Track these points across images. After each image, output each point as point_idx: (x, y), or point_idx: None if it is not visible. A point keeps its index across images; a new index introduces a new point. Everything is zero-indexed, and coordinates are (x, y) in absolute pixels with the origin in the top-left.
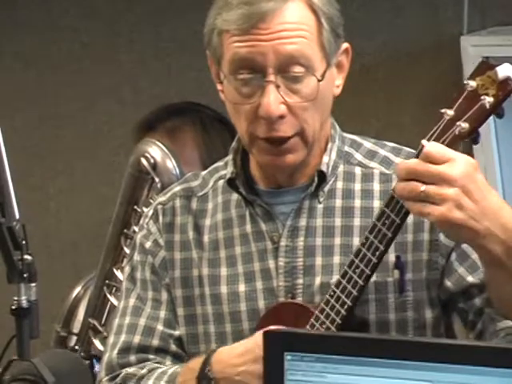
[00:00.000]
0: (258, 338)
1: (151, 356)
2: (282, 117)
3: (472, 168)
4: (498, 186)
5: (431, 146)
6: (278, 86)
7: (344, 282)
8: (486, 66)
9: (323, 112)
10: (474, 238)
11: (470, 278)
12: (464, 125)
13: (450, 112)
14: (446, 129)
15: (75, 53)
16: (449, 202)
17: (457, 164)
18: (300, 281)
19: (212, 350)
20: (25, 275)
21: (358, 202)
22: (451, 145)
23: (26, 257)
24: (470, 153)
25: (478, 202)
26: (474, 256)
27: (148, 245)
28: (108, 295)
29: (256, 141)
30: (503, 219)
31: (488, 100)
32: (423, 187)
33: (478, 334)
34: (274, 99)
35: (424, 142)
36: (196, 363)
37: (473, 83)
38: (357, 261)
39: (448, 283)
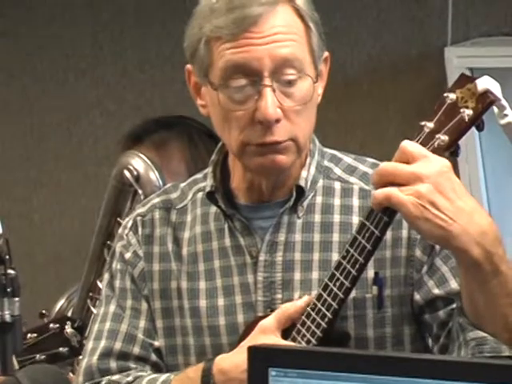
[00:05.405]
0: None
1: (132, 365)
2: (277, 121)
3: (446, 168)
4: (483, 196)
5: (406, 143)
6: (273, 90)
7: (325, 294)
8: (466, 78)
9: (312, 120)
10: (447, 238)
11: (436, 291)
12: (443, 137)
13: (430, 124)
14: (426, 141)
15: (59, 64)
16: (421, 197)
17: (430, 162)
18: (279, 296)
19: (209, 360)
20: (8, 290)
21: (337, 218)
22: None
23: (10, 271)
24: (455, 164)
25: (451, 201)
26: (444, 269)
27: (128, 256)
28: (91, 308)
29: (248, 147)
30: (478, 220)
31: (467, 113)
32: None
33: (441, 347)
34: (271, 102)
35: None
36: (194, 372)
37: (452, 96)
38: (337, 274)
39: (417, 296)
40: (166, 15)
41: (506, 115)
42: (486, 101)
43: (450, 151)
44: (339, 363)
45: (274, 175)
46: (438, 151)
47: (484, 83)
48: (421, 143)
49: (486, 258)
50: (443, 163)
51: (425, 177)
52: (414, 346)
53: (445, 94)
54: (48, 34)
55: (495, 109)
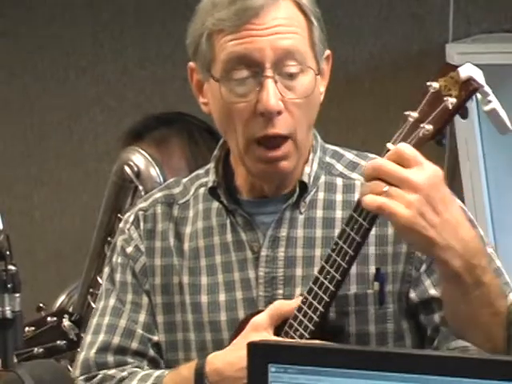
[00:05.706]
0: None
1: (129, 359)
2: (279, 113)
3: (438, 178)
4: (484, 194)
5: (404, 146)
6: (275, 82)
7: (315, 288)
8: (449, 67)
9: (312, 115)
10: (431, 249)
11: (433, 291)
12: (428, 127)
13: (414, 114)
14: (411, 131)
15: (60, 63)
16: (412, 208)
17: (424, 171)
18: (280, 291)
19: (201, 358)
20: (9, 286)
21: (339, 213)
22: (416, 147)
23: (10, 267)
24: (456, 160)
25: (440, 213)
26: None
27: (129, 250)
28: (92, 304)
29: (251, 147)
30: (462, 233)
31: (451, 101)
32: (386, 188)
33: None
34: (273, 93)
35: (389, 145)
36: (187, 370)
37: (436, 85)
38: (327, 267)
39: (412, 294)
40: (166, 15)
41: (489, 101)
42: (469, 88)
43: (436, 140)
44: (339, 359)
45: (277, 179)
46: (422, 141)
47: (466, 71)
48: (405, 133)
49: (466, 270)
50: (436, 173)
51: (418, 188)
52: (414, 343)
53: (428, 83)
54: (48, 33)
55: (479, 96)
